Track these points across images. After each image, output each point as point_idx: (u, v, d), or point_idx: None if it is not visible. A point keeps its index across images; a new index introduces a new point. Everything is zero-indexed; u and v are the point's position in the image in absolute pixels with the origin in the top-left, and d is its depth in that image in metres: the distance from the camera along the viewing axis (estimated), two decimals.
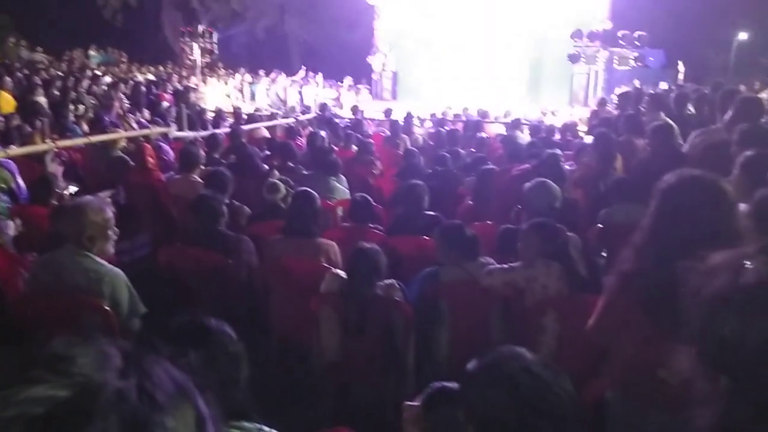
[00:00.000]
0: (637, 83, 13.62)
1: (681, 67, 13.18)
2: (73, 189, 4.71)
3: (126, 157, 5.41)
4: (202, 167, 4.80)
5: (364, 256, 2.71)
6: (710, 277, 0.96)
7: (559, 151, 4.53)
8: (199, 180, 4.37)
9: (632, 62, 13.74)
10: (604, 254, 3.68)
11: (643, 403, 1.90)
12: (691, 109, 6.13)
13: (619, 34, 13.88)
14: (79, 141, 6.10)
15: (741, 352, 0.90)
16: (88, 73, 13.16)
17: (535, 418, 0.97)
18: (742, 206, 2.53)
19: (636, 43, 13.55)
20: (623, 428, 1.99)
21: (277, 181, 4.01)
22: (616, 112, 7.28)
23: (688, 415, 1.86)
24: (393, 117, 10.24)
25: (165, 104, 11.13)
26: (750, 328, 0.89)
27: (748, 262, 0.93)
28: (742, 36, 26.05)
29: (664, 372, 1.84)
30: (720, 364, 0.95)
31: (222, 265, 3.12)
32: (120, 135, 6.59)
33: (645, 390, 1.88)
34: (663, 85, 12.73)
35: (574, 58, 14.37)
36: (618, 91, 12.02)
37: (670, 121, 4.63)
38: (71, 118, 8.70)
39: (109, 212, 2.60)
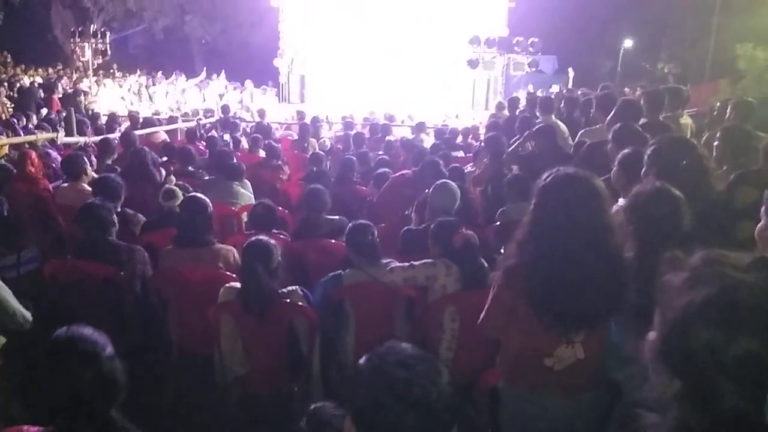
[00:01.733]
0: (531, 88, 14.39)
1: (571, 72, 14.05)
2: None
3: (8, 165, 5.02)
4: (94, 174, 4.54)
5: (254, 247, 2.65)
6: (691, 282, 0.97)
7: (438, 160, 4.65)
8: (88, 188, 4.13)
9: (527, 68, 14.48)
10: (501, 251, 3.85)
11: (532, 390, 2.01)
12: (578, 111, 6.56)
13: (514, 40, 14.57)
14: None
15: (708, 364, 0.91)
16: None
17: (403, 409, 1.00)
18: (621, 201, 2.73)
19: (530, 49, 14.30)
20: (514, 414, 2.09)
21: (174, 187, 3.85)
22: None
23: (575, 398, 1.99)
24: (303, 119, 10.17)
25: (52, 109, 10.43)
26: (727, 345, 0.90)
27: (735, 274, 0.93)
28: (628, 43, 28.18)
29: (550, 360, 1.96)
30: (682, 370, 0.96)
31: (113, 277, 2.96)
32: (2, 141, 6.11)
33: (533, 378, 1.99)
34: (555, 89, 13.52)
35: (473, 64, 14.94)
36: (515, 95, 12.64)
37: (556, 122, 4.92)
38: None
39: None
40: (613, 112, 4.09)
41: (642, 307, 1.91)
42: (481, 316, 2.10)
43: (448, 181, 3.74)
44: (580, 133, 4.41)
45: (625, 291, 1.84)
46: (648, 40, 25.96)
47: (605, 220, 1.86)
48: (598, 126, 4.34)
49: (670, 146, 2.65)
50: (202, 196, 3.34)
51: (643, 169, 2.62)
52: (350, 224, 3.16)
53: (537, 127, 4.53)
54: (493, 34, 15.66)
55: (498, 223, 3.85)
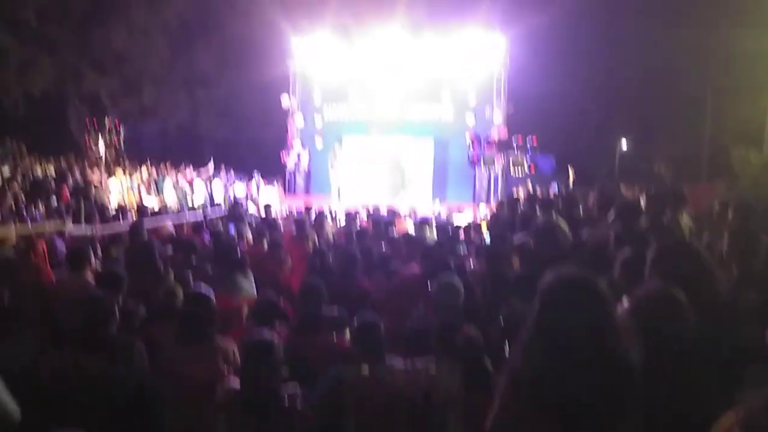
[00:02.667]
0: (530, 185, 14.72)
1: (571, 171, 14.48)
2: None
3: (14, 254, 5.06)
4: (98, 265, 4.56)
5: (255, 347, 2.60)
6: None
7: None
8: (91, 279, 4.14)
9: (526, 166, 14.94)
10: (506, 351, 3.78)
11: None
12: (580, 209, 6.67)
13: (513, 141, 15.12)
14: None
15: None
16: None
17: None
18: (625, 303, 2.72)
19: (529, 149, 14.81)
20: None
21: (176, 286, 3.86)
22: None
23: None
24: (309, 213, 10.29)
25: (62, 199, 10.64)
26: None
27: None
28: (623, 144, 29.15)
29: None
30: None
31: (109, 372, 2.90)
32: (10, 231, 6.19)
33: None
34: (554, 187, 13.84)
35: (473, 162, 15.44)
36: (515, 192, 12.92)
37: (557, 220, 4.99)
38: None
39: None
40: (614, 213, 4.16)
41: (649, 413, 1.86)
42: (488, 421, 2.04)
43: (452, 277, 3.75)
44: (582, 232, 4.46)
45: (634, 397, 1.80)
46: (643, 141, 26.89)
47: (611, 324, 1.85)
48: (599, 226, 4.41)
49: (672, 249, 2.67)
50: (206, 290, 3.33)
51: (646, 272, 2.63)
52: (358, 319, 3.13)
53: (539, 224, 4.59)
54: (493, 134, 16.32)
55: (501, 322, 3.82)
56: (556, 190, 13.05)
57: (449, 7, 20.56)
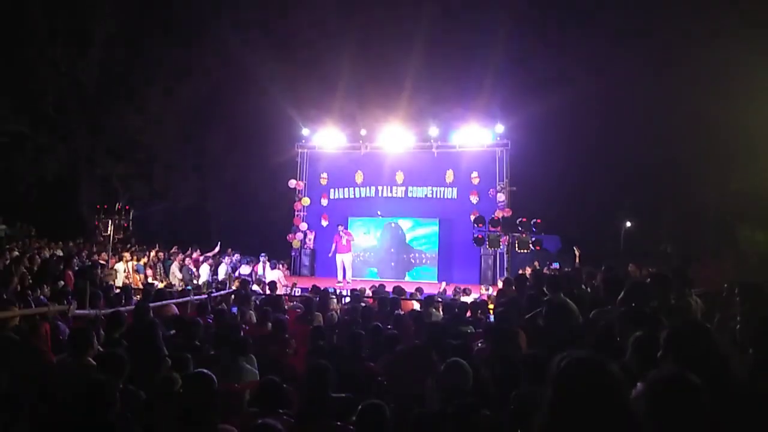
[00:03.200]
0: (536, 264, 14.68)
1: (577, 251, 14.44)
2: None
3: (15, 337, 5.00)
4: (100, 348, 4.50)
5: None
6: None
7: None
8: (92, 362, 4.07)
9: (531, 246, 14.94)
10: None
11: None
12: (587, 289, 6.62)
13: (518, 221, 15.23)
14: None
15: None
16: None
17: None
18: (639, 386, 2.65)
19: (533, 229, 14.88)
20: None
21: (173, 376, 3.79)
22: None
23: None
24: (315, 293, 10.23)
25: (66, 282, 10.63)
26: None
27: None
28: (628, 223, 29.31)
29: None
30: None
31: None
32: (14, 313, 6.14)
33: None
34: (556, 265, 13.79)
35: (478, 242, 15.48)
36: (528, 270, 12.86)
37: (565, 300, 4.94)
38: None
39: None
40: (623, 293, 4.13)
41: None
42: None
43: (459, 359, 3.67)
44: (592, 313, 4.40)
45: None
46: (648, 220, 27.05)
47: (625, 408, 1.80)
48: (609, 307, 4.35)
49: (685, 331, 2.64)
50: (207, 373, 3.26)
51: (659, 354, 2.58)
52: (361, 405, 3.05)
53: (550, 304, 4.54)
54: (497, 214, 16.49)
55: (513, 406, 3.69)
56: (558, 267, 12.99)
57: (451, 99, 21.48)
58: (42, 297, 8.60)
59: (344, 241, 15.85)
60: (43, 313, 6.30)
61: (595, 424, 1.75)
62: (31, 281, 9.88)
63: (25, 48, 20.58)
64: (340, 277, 15.83)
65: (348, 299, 10.45)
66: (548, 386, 1.89)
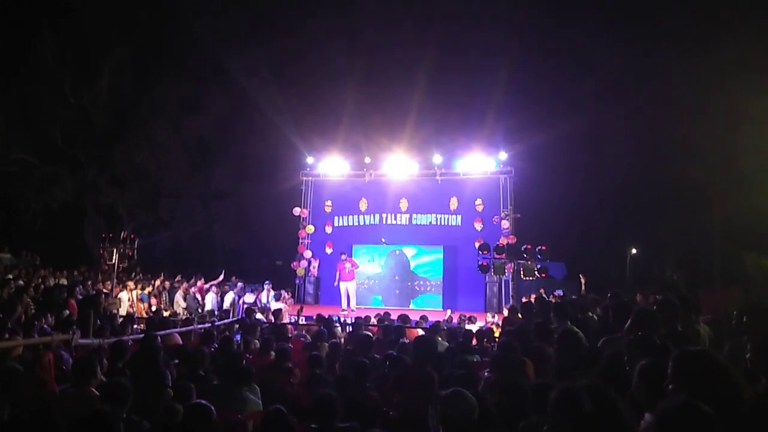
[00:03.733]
0: (542, 292, 14.59)
1: (583, 279, 14.39)
2: None
3: (18, 367, 4.98)
4: (103, 378, 4.47)
5: None
6: None
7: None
8: (95, 393, 4.04)
9: (536, 273, 14.88)
10: None
11: None
12: (594, 316, 6.55)
13: (523, 248, 15.20)
14: None
15: None
16: None
17: None
18: (647, 417, 2.61)
19: (538, 256, 14.84)
20: None
21: (175, 406, 3.76)
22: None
23: None
24: (320, 322, 10.16)
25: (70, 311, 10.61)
26: None
27: None
28: (634, 250, 29.18)
29: None
30: None
31: None
32: (17, 342, 6.12)
33: None
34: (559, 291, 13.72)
35: (483, 269, 15.42)
36: (528, 299, 12.76)
37: (573, 328, 4.89)
38: None
39: None
40: (630, 321, 4.09)
41: None
42: None
43: (461, 389, 3.61)
44: (600, 341, 4.36)
45: None
46: (654, 247, 26.94)
47: None
48: (618, 335, 4.30)
49: (693, 360, 2.61)
50: (205, 404, 3.23)
51: (668, 384, 2.55)
52: None
53: (561, 332, 4.50)
54: (502, 241, 16.46)
55: None
56: (561, 294, 12.92)
57: (454, 127, 21.67)
58: (46, 326, 8.57)
59: (348, 270, 15.83)
60: (46, 342, 6.28)
61: None
62: (34, 310, 9.87)
63: (34, 78, 20.92)
64: (344, 305, 15.76)
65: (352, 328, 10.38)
66: (549, 415, 1.87)
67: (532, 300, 11.00)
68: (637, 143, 24.83)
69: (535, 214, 19.73)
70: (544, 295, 12.83)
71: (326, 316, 10.41)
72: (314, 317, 11.27)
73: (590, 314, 6.32)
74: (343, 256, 16.19)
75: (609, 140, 25.39)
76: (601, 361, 3.56)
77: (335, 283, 16.29)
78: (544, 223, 20.79)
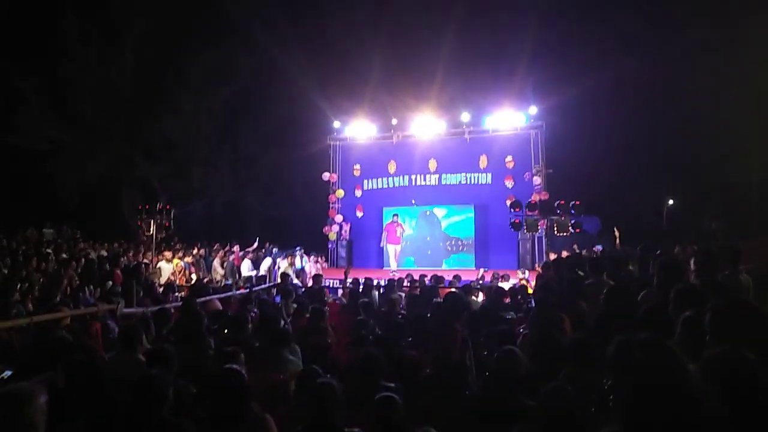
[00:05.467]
0: (576, 247, 14.43)
1: (617, 232, 14.13)
2: (7, 373, 4.42)
3: (68, 336, 5.19)
4: (148, 345, 4.63)
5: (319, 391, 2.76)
6: None
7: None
8: (143, 359, 4.19)
9: (571, 229, 14.68)
10: None
11: None
12: (631, 268, 6.47)
13: (556, 204, 14.98)
14: (20, 321, 5.84)
15: None
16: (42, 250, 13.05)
17: None
18: (692, 367, 2.59)
19: (572, 211, 14.61)
20: None
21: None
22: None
23: None
24: (357, 284, 10.28)
25: (115, 281, 10.97)
26: None
27: None
28: (671, 202, 28.51)
29: None
30: None
31: None
32: (65, 313, 6.36)
33: None
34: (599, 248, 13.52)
35: (516, 227, 15.29)
36: (553, 255, 12.63)
37: (608, 282, 4.84)
38: (16, 296, 8.45)
39: (43, 398, 2.45)
40: (655, 275, 4.04)
41: None
42: None
43: (515, 348, 3.63)
44: (641, 295, 4.31)
45: None
46: (691, 197, 26.27)
47: (689, 387, 1.79)
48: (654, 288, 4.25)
49: (728, 310, 2.60)
50: (235, 369, 3.31)
51: (707, 334, 2.54)
52: (377, 397, 3.07)
53: (608, 289, 4.45)
54: (534, 198, 16.26)
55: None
56: (600, 250, 12.74)
57: (483, 83, 21.19)
58: (90, 297, 8.90)
59: (399, 233, 15.85)
60: (93, 312, 6.53)
61: (663, 407, 1.73)
62: (78, 282, 10.24)
63: (61, 56, 21.18)
64: (393, 266, 15.78)
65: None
66: (607, 369, 1.88)
67: (564, 256, 10.90)
68: (672, 92, 23.96)
69: (567, 169, 19.34)
70: (578, 251, 12.69)
71: (363, 279, 10.51)
72: (351, 279, 11.40)
73: (630, 268, 6.23)
74: (395, 218, 16.14)
75: (643, 90, 24.58)
76: (642, 314, 3.53)
77: (381, 244, 16.38)
78: (578, 178, 20.39)
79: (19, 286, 9.16)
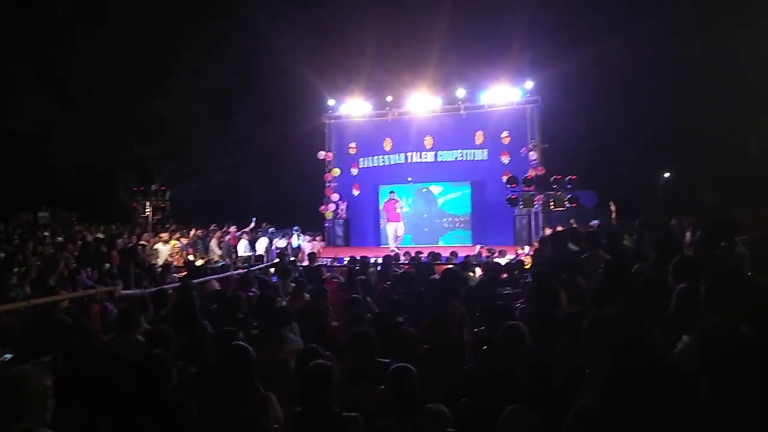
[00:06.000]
0: (573, 222, 14.45)
1: (613, 207, 14.15)
2: (7, 356, 4.44)
3: (67, 319, 5.20)
4: (146, 326, 4.64)
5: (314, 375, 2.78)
6: None
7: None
8: (141, 340, 4.21)
9: (567, 203, 14.68)
10: None
11: None
12: (626, 243, 6.48)
13: (552, 179, 14.96)
14: (18, 304, 5.86)
15: None
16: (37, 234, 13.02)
17: None
18: (685, 338, 2.61)
19: (568, 186, 14.60)
20: None
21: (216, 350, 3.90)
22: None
23: None
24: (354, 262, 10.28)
25: (112, 263, 10.96)
26: None
27: None
28: (666, 175, 28.53)
29: None
30: None
31: None
32: (63, 296, 6.38)
33: None
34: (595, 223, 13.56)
35: (512, 202, 15.29)
36: (548, 231, 12.65)
37: (604, 256, 4.85)
38: (13, 280, 8.45)
39: (48, 380, 2.46)
40: (651, 248, 4.05)
41: None
42: None
43: (518, 323, 3.64)
44: (634, 267, 4.33)
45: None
46: (688, 170, 26.27)
47: (667, 364, 1.80)
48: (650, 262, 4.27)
49: (723, 282, 2.60)
50: (242, 344, 3.34)
51: (702, 306, 2.55)
52: (391, 367, 3.09)
53: (606, 262, 4.46)
54: (530, 173, 16.24)
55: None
56: (599, 224, 12.77)
57: (478, 58, 20.99)
58: (88, 280, 8.90)
59: (397, 209, 15.70)
60: (91, 294, 6.54)
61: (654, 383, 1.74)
62: (75, 265, 10.23)
63: (50, 35, 20.89)
64: (392, 245, 15.72)
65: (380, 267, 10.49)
66: (582, 342, 1.89)
67: (558, 230, 10.91)
68: (667, 65, 23.82)
69: (563, 144, 19.30)
70: (575, 225, 12.71)
71: (359, 257, 10.52)
72: (347, 258, 11.42)
73: (625, 243, 6.24)
74: (392, 195, 15.96)
75: (640, 63, 24.40)
76: (637, 287, 3.55)
77: (382, 225, 16.29)
78: (574, 152, 20.34)
79: (16, 270, 9.15)
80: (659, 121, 25.23)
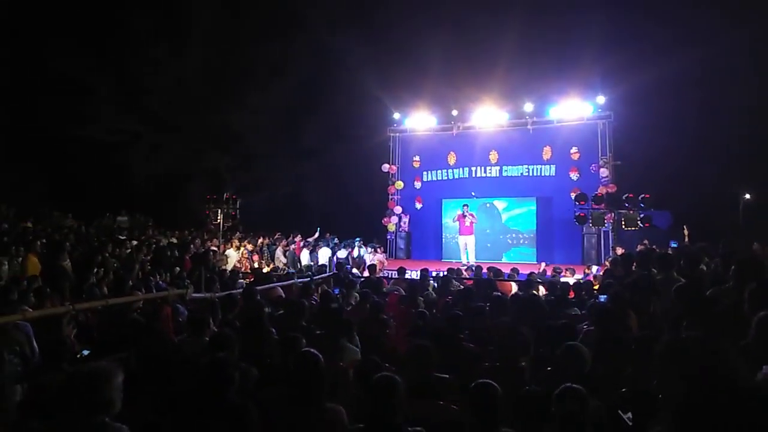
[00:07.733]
0: (646, 243, 13.86)
1: (686, 230, 13.47)
2: (85, 352, 4.70)
3: (141, 319, 5.45)
4: (215, 329, 4.80)
5: (381, 387, 2.69)
6: None
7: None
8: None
9: (639, 223, 14.09)
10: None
11: None
12: (703, 267, 6.17)
13: (624, 197, 14.42)
14: (97, 303, 6.17)
15: None
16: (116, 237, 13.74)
17: None
18: (765, 369, 2.45)
19: (641, 205, 14.02)
20: None
21: (283, 349, 3.96)
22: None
23: None
24: (408, 276, 10.30)
25: (184, 267, 11.41)
26: None
27: None
28: (747, 196, 26.91)
29: None
30: None
31: None
32: (138, 297, 6.68)
33: None
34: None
35: (581, 220, 14.83)
36: (620, 250, 12.17)
37: (679, 279, 4.63)
38: (92, 280, 8.95)
39: (121, 377, 2.59)
40: (733, 272, 3.83)
41: None
42: None
43: (578, 344, 3.54)
44: (709, 291, 4.11)
45: None
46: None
47: (744, 388, 1.70)
48: (727, 285, 4.04)
49: None
50: (313, 352, 3.38)
51: None
52: (474, 383, 3.04)
53: (678, 286, 4.27)
54: (601, 191, 15.72)
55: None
56: (676, 247, 12.18)
57: (547, 72, 20.60)
58: (161, 282, 9.30)
59: (468, 222, 15.65)
60: (164, 297, 6.82)
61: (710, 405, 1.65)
62: (150, 268, 10.72)
63: (128, 50, 22.19)
64: (464, 259, 15.63)
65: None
66: (657, 367, 1.80)
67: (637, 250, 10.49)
68: (750, 82, 22.53)
69: (637, 161, 18.57)
70: (649, 245, 12.20)
71: (421, 270, 10.50)
72: (398, 271, 11.41)
73: (703, 267, 5.94)
74: (465, 209, 15.92)
75: (718, 80, 23.22)
76: (713, 312, 3.36)
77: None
78: (648, 170, 19.51)
79: (96, 271, 9.68)
80: (740, 140, 23.86)
